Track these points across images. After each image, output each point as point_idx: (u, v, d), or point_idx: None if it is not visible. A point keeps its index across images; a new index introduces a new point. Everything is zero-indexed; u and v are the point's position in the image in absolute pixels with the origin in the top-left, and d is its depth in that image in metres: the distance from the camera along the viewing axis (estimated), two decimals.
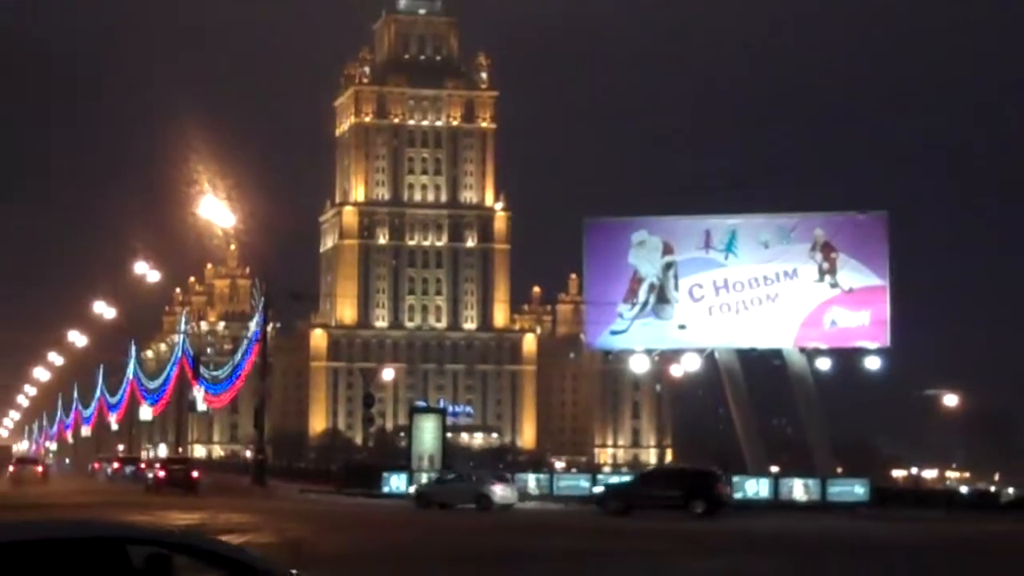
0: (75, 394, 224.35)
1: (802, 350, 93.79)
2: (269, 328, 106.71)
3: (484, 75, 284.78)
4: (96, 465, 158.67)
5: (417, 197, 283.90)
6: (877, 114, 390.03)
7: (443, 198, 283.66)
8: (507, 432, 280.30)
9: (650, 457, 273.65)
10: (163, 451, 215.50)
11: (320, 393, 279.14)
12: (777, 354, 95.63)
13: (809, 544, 45.38)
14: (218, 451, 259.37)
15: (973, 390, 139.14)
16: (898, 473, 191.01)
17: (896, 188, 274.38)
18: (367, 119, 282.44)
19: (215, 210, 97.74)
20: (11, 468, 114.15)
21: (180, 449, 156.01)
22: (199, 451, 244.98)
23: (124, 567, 9.87)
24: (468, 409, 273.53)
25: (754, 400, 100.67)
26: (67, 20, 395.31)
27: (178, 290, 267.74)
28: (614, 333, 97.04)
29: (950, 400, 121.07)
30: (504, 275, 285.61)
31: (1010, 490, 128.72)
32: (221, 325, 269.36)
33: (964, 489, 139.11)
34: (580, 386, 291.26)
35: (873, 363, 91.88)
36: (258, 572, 10.35)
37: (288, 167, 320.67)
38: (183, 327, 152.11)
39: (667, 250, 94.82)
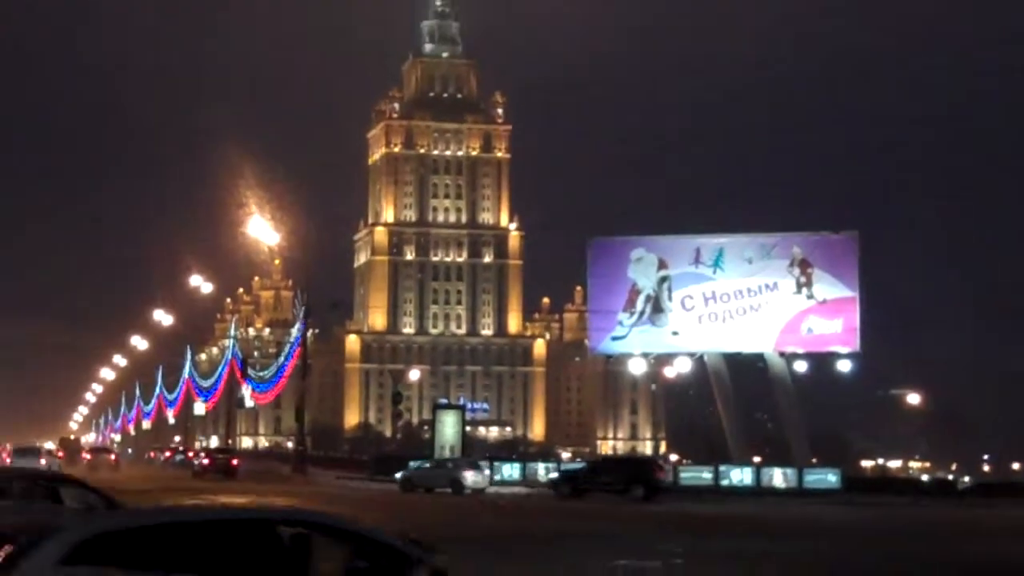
0: (137, 392, 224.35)
1: (781, 354, 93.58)
2: (309, 334, 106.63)
3: (500, 111, 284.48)
4: (152, 454, 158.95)
5: (440, 218, 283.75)
6: (852, 144, 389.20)
7: (463, 219, 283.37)
8: (519, 426, 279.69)
9: (646, 449, 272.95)
10: (215, 442, 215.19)
11: (354, 391, 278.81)
12: (759, 358, 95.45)
13: (722, 524, 44.51)
14: (263, 442, 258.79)
15: (933, 389, 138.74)
16: (867, 463, 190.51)
17: (866, 209, 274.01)
18: (396, 149, 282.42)
19: (262, 229, 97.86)
20: (88, 456, 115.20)
21: (229, 441, 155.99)
22: (246, 442, 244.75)
23: (276, 545, 10.12)
24: (485, 406, 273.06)
25: (739, 398, 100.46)
26: (126, 79, 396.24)
27: (228, 300, 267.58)
28: (614, 339, 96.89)
29: (913, 398, 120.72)
30: (517, 287, 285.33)
31: (966, 478, 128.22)
32: (266, 331, 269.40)
33: (925, 478, 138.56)
34: (584, 385, 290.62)
35: (845, 366, 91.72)
36: (399, 553, 10.33)
37: (326, 191, 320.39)
38: (233, 333, 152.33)
39: (662, 265, 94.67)
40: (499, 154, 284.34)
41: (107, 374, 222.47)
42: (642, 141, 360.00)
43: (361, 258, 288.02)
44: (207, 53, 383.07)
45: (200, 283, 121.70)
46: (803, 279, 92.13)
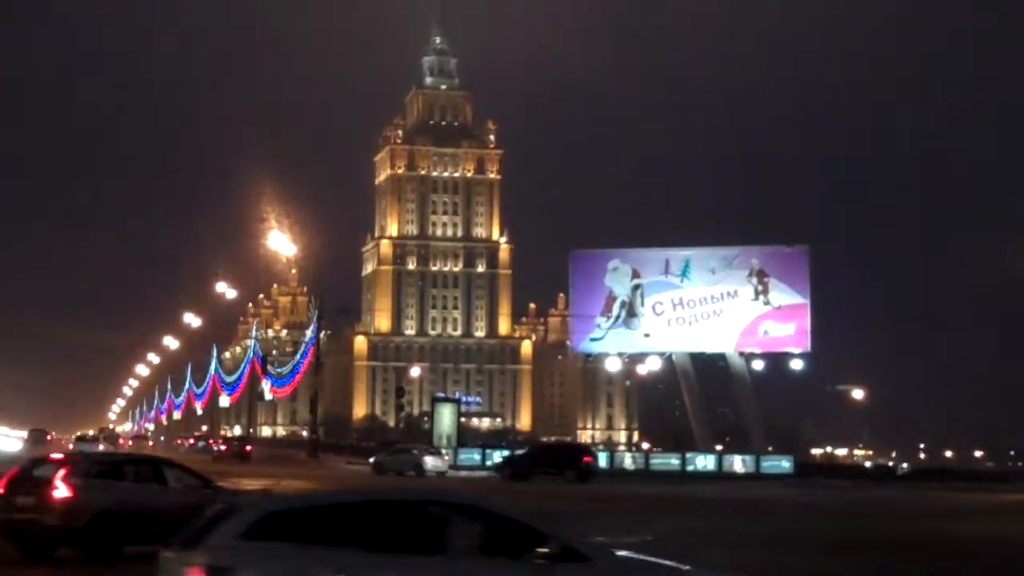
0: (168, 386, 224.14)
1: (741, 354, 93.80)
2: (321, 335, 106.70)
3: (492, 137, 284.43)
4: (179, 440, 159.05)
5: (439, 232, 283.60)
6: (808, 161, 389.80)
7: (459, 233, 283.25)
8: (508, 417, 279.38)
9: (620, 437, 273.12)
10: (238, 431, 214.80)
11: (362, 386, 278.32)
12: (721, 357, 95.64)
13: (644, 502, 44.35)
14: (281, 431, 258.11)
15: (875, 385, 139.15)
16: (816, 451, 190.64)
17: (815, 224, 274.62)
18: (400, 171, 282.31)
19: (280, 242, 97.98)
20: (130, 443, 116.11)
21: (251, 430, 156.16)
22: (266, 431, 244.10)
23: (424, 523, 10.27)
24: (478, 399, 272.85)
25: (703, 393, 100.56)
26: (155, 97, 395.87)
27: (250, 305, 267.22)
28: (593, 340, 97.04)
29: (857, 393, 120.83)
30: (507, 294, 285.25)
31: (904, 465, 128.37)
32: (284, 332, 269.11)
33: (868, 464, 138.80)
34: (566, 381, 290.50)
35: (797, 364, 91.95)
36: (529, 529, 10.36)
37: (338, 209, 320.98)
38: (254, 334, 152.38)
39: (635, 275, 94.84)
40: (491, 175, 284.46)
41: (142, 370, 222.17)
42: (617, 164, 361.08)
43: (368, 267, 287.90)
44: (242, 89, 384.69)
45: (225, 290, 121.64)
46: (760, 287, 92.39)
